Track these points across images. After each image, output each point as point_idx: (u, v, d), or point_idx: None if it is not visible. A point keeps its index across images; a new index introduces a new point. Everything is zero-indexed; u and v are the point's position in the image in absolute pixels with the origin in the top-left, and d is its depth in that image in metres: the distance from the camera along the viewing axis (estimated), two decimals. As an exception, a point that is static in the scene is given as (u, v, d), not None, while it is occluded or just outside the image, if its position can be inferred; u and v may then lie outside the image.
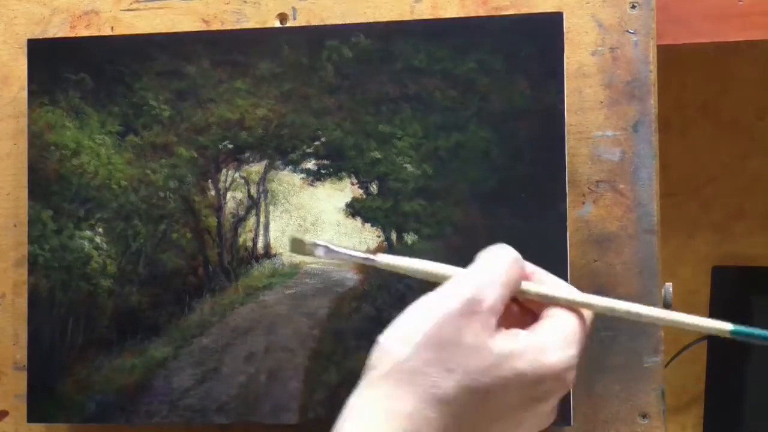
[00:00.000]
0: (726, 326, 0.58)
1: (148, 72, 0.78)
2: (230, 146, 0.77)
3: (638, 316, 0.58)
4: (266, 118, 0.76)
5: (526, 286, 0.58)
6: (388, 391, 0.54)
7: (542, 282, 0.60)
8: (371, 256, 0.61)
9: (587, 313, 0.59)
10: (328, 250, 0.61)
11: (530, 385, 0.55)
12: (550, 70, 0.73)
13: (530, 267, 0.60)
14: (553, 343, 0.56)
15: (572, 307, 0.58)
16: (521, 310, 0.60)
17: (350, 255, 0.62)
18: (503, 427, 0.56)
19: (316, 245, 0.61)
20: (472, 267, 0.57)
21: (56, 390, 0.78)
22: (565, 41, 0.74)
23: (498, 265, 0.57)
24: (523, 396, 0.55)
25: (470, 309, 0.55)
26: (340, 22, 0.78)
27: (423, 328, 0.54)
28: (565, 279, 0.72)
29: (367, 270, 0.75)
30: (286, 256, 0.77)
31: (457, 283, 0.56)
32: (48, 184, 0.79)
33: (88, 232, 0.78)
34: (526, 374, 0.55)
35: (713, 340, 1.12)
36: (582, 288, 0.74)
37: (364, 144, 0.75)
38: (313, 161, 0.76)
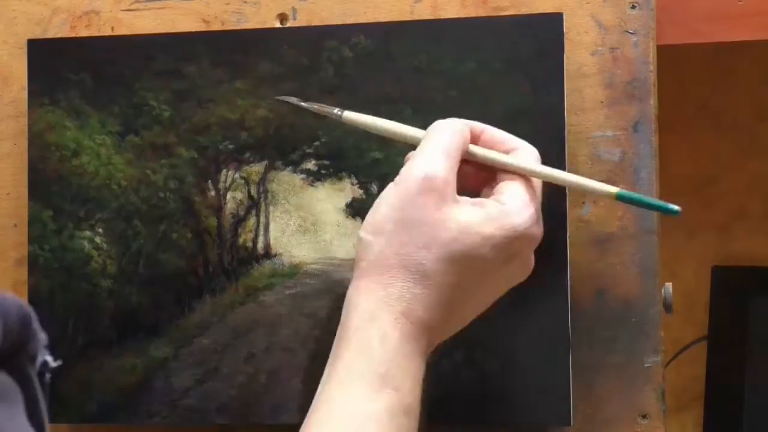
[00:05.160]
0: (612, 189, 0.66)
1: (148, 72, 0.78)
2: (230, 146, 0.77)
3: (551, 178, 0.66)
4: (266, 119, 0.76)
5: (472, 149, 0.65)
6: (377, 279, 0.60)
7: (493, 138, 0.66)
8: (337, 111, 0.70)
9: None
10: (296, 103, 0.73)
11: (501, 247, 0.61)
12: (550, 70, 0.73)
13: (479, 126, 0.67)
14: (514, 205, 0.62)
15: (513, 170, 0.64)
16: (476, 168, 0.66)
17: (317, 108, 0.71)
18: (486, 289, 0.63)
19: (282, 101, 0.73)
20: (419, 148, 0.63)
21: (56, 390, 0.78)
22: (565, 41, 0.74)
23: (440, 140, 0.63)
24: (497, 257, 0.61)
25: (427, 186, 0.60)
26: (340, 23, 0.78)
27: (390, 216, 0.61)
28: (565, 279, 0.72)
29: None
30: (287, 256, 0.77)
31: (408, 167, 0.62)
32: (48, 184, 0.79)
33: (88, 233, 0.78)
34: (495, 236, 0.61)
35: (713, 340, 1.12)
36: (583, 288, 0.74)
37: (364, 144, 0.75)
38: (313, 161, 0.76)
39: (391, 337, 0.59)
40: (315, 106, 0.72)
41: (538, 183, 0.66)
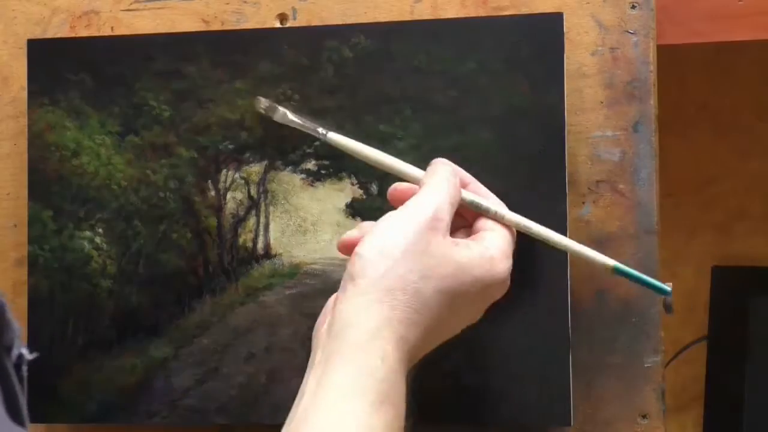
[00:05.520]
0: (609, 262, 0.69)
1: (148, 72, 0.78)
2: (230, 146, 0.77)
3: (545, 239, 0.70)
4: (266, 119, 0.76)
5: (465, 194, 0.69)
6: (380, 298, 0.62)
7: (477, 192, 0.70)
8: (323, 131, 0.73)
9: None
10: (285, 116, 0.74)
11: (483, 289, 0.66)
12: (550, 70, 0.73)
13: (468, 177, 0.70)
14: (497, 255, 0.66)
15: (499, 220, 0.69)
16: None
17: (303, 124, 0.73)
18: (458, 324, 0.67)
19: (276, 107, 0.75)
20: (428, 187, 0.67)
21: (56, 390, 0.78)
22: (565, 41, 0.74)
23: (448, 187, 0.67)
24: (477, 298, 0.66)
25: (433, 225, 0.64)
26: (340, 23, 0.78)
27: (400, 242, 0.63)
28: (566, 278, 0.72)
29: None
30: (287, 256, 0.77)
31: (420, 201, 0.66)
32: (48, 184, 0.79)
33: (88, 233, 0.78)
34: (480, 280, 0.65)
35: (713, 340, 1.12)
36: (583, 288, 0.74)
37: (364, 144, 0.75)
38: (313, 161, 0.76)
39: (392, 358, 0.61)
40: (301, 122, 0.74)
41: (513, 234, 0.69)
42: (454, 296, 0.64)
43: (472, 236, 0.68)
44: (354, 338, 0.61)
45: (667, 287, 0.69)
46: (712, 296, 1.13)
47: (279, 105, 0.75)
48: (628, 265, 0.70)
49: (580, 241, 0.72)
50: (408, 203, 0.66)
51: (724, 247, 1.14)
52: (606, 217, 0.75)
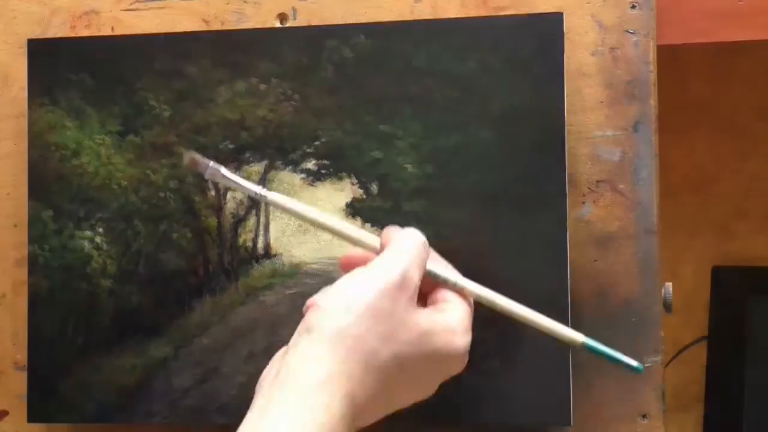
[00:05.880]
0: (578, 338, 0.66)
1: (148, 72, 0.78)
2: (230, 146, 0.77)
3: (510, 312, 0.67)
4: (266, 118, 0.76)
5: (429, 266, 0.66)
6: (330, 353, 0.59)
7: (437, 262, 0.68)
8: (262, 192, 0.67)
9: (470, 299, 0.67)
10: (222, 175, 0.68)
11: (440, 361, 0.63)
12: (550, 70, 0.73)
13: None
14: (458, 328, 0.64)
15: (460, 292, 0.66)
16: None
17: (242, 185, 0.67)
18: (410, 394, 0.64)
19: (208, 165, 0.68)
20: (397, 248, 0.64)
21: (56, 390, 0.78)
22: (565, 41, 0.74)
23: (418, 250, 0.64)
24: (434, 369, 0.64)
25: (402, 285, 0.62)
26: (341, 22, 0.78)
27: (364, 299, 0.61)
28: (565, 279, 0.72)
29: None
30: (287, 256, 0.77)
31: (389, 261, 0.63)
32: (48, 184, 0.79)
33: (88, 232, 0.78)
34: (440, 351, 0.63)
35: (713, 340, 1.12)
36: (583, 288, 0.74)
37: (364, 144, 0.75)
38: (313, 161, 0.76)
39: (336, 414, 0.58)
40: (240, 182, 0.68)
41: (472, 306, 0.67)
42: (411, 364, 0.62)
43: (432, 306, 0.66)
44: (300, 384, 0.58)
45: (640, 366, 0.65)
46: (712, 296, 1.13)
47: (211, 162, 0.68)
48: (628, 265, 0.70)
49: (580, 241, 0.73)
50: (375, 261, 0.63)
51: (724, 247, 1.14)
52: (606, 217, 0.75)
